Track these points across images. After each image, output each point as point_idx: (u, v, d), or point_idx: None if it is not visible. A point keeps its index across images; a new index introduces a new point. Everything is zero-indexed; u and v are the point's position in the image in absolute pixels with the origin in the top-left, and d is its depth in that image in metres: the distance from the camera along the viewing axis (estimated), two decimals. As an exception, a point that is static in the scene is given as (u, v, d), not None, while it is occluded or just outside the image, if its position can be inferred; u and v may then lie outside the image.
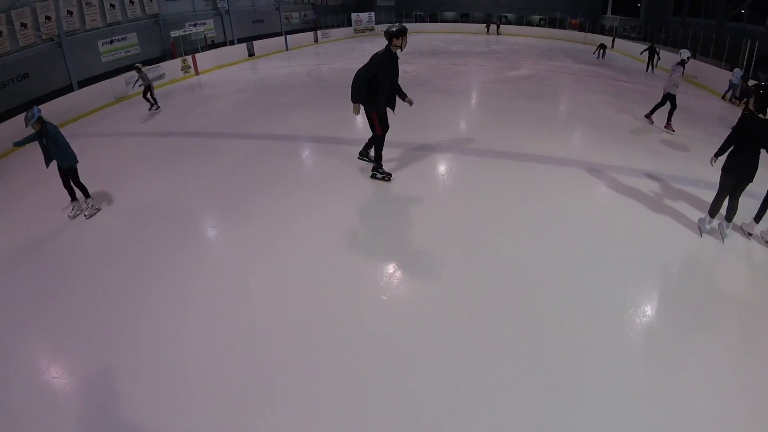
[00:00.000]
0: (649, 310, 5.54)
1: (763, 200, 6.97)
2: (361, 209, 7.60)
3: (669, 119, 11.58)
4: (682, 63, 11.21)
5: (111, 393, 4.35)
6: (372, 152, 8.44)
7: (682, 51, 11.54)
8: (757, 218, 7.10)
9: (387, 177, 8.52)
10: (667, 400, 4.32)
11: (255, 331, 5.00)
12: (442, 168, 9.06)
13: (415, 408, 4.11)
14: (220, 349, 4.76)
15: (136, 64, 13.99)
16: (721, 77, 16.87)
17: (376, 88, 7.74)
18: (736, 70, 13.46)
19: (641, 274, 6.15)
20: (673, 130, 11.45)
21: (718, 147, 6.75)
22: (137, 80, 13.80)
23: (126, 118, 13.74)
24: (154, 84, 15.03)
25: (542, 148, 9.93)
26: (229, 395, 4.25)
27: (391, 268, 6.04)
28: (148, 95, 13.85)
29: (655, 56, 21.75)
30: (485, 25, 39.26)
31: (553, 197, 7.97)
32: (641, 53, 22.81)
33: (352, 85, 7.65)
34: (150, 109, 13.96)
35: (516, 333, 5.03)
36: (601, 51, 25.65)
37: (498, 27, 38.92)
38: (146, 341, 4.94)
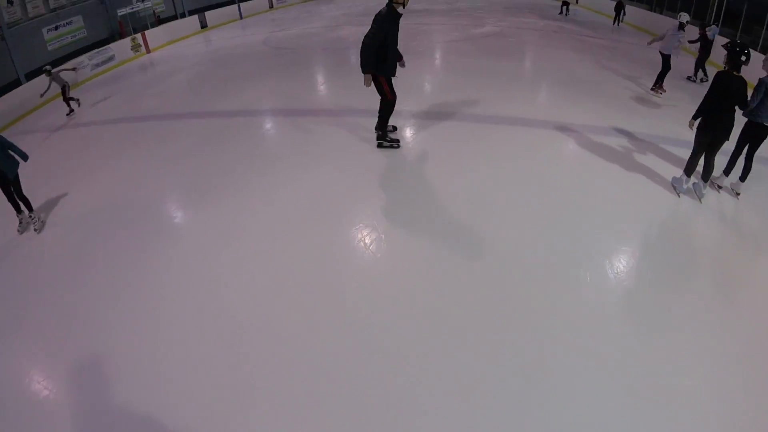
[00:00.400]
0: (629, 272, 5.52)
1: (732, 153, 7.02)
2: (330, 184, 7.19)
3: (660, 81, 11.26)
4: (682, 27, 10.82)
5: (96, 400, 4.16)
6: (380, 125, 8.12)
7: (681, 14, 11.12)
8: (727, 171, 7.18)
9: (396, 143, 8.18)
10: (650, 361, 4.33)
11: (237, 323, 4.80)
12: (409, 134, 8.73)
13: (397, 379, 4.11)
14: (205, 346, 4.56)
15: (45, 67, 11.96)
16: (690, 33, 16.60)
17: (385, 53, 7.36)
18: (713, 27, 13.01)
19: (620, 236, 6.12)
20: (664, 90, 11.16)
21: (696, 109, 6.65)
22: (47, 88, 11.79)
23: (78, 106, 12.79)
24: (103, 68, 14.10)
25: (512, 108, 9.73)
26: (213, 388, 4.13)
27: (367, 239, 5.92)
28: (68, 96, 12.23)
29: (622, 11, 21.38)
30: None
31: (525, 159, 7.83)
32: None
33: (361, 54, 7.30)
34: (69, 114, 12.14)
35: (494, 300, 5.02)
36: (565, 8, 25.10)
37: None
38: (126, 345, 4.68)
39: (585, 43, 17.15)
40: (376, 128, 8.08)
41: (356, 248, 5.80)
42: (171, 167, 8.02)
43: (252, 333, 4.64)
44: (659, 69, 10.99)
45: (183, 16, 24.13)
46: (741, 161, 6.92)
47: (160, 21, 22.25)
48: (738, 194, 7.12)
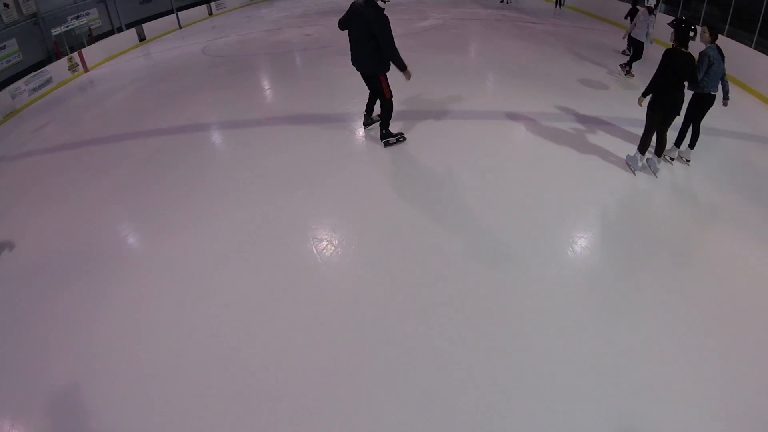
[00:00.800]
0: (593, 254, 5.71)
1: (681, 125, 7.41)
2: (281, 195, 7.16)
3: (629, 65, 11.64)
4: (651, 11, 10.98)
5: None
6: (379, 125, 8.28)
7: None
8: (678, 143, 7.59)
9: (401, 137, 8.32)
10: (620, 342, 4.46)
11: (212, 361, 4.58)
12: (362, 139, 8.72)
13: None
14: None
15: None
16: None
17: (387, 48, 7.35)
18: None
19: (581, 219, 6.34)
20: (633, 75, 11.52)
21: (645, 86, 6.86)
22: None
23: (16, 136, 12.19)
24: (41, 92, 13.56)
25: (460, 102, 9.89)
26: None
27: (324, 243, 6.04)
28: None
29: None
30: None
31: (477, 151, 7.97)
32: None
33: (393, 57, 7.40)
34: None
35: (458, 288, 5.16)
36: None
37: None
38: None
39: (528, 30, 17.44)
40: (384, 142, 8.20)
41: (312, 260, 5.79)
42: (117, 200, 7.64)
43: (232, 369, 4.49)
44: (603, 51, 11.18)
45: (120, 30, 23.54)
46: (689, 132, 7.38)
47: (96, 38, 21.61)
48: (689, 161, 7.52)
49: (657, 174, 7.22)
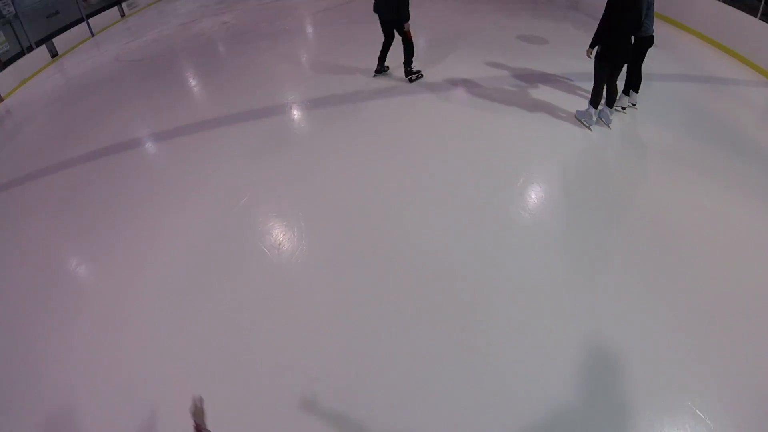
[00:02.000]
0: (558, 216, 5.73)
1: (627, 72, 7.35)
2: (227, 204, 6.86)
3: None
4: None
5: None
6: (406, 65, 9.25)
7: None
8: (626, 91, 7.53)
9: (420, 74, 9.37)
10: (590, 303, 4.55)
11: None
12: (300, 133, 8.59)
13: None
14: None
15: None
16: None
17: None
18: None
19: (540, 180, 6.35)
20: None
21: (592, 37, 6.78)
22: None
23: None
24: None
25: (395, 78, 9.65)
26: None
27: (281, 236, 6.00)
28: None
29: None
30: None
31: (424, 124, 7.86)
32: None
33: (400, 8, 8.23)
34: None
35: (427, 261, 5.23)
36: None
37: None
38: None
39: None
40: (408, 77, 9.29)
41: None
42: (41, 257, 6.85)
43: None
44: (535, 5, 11.21)
45: (30, 49, 22.23)
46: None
47: (4, 64, 20.35)
48: (634, 105, 7.57)
49: (610, 125, 7.13)
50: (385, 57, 9.41)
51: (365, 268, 5.33)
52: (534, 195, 6.07)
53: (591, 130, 7.09)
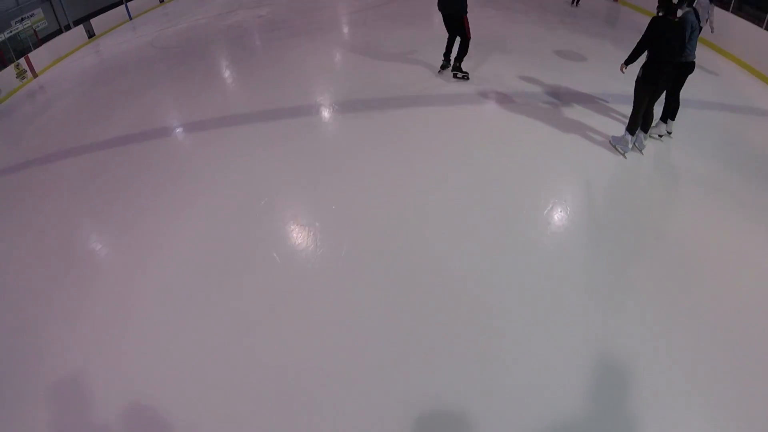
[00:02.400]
0: (586, 243, 5.47)
1: (666, 98, 7.05)
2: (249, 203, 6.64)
3: None
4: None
5: None
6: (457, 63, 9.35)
7: None
8: (664, 118, 7.21)
9: (467, 75, 9.37)
10: (616, 332, 4.36)
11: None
12: (324, 133, 8.38)
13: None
14: None
15: None
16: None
17: None
18: None
19: (572, 205, 6.09)
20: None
21: (629, 53, 6.54)
22: None
23: None
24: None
25: (427, 84, 9.40)
26: None
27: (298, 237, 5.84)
28: None
29: None
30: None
31: (452, 134, 7.65)
32: None
33: (460, 2, 8.57)
34: None
35: (454, 277, 5.05)
36: None
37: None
38: None
39: None
40: (454, 74, 9.45)
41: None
42: (73, 220, 7.03)
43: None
44: (574, 19, 11.01)
45: (68, 28, 22.50)
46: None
47: (42, 40, 20.60)
48: (670, 133, 7.25)
49: (643, 151, 6.94)
50: (450, 52, 9.54)
51: (379, 279, 5.14)
52: (560, 218, 5.85)
53: (626, 157, 6.87)
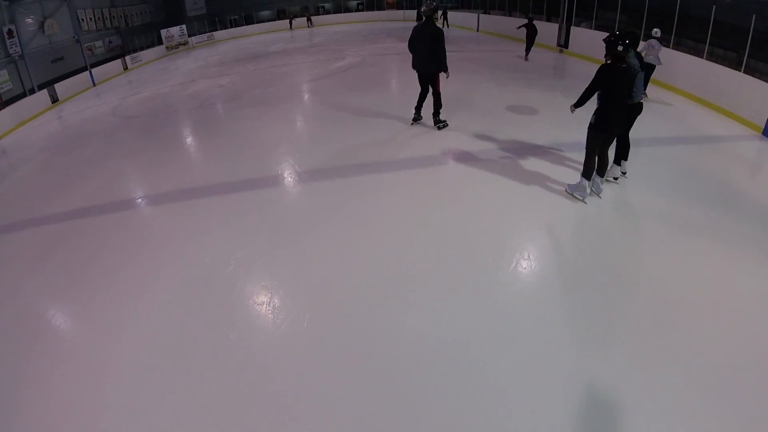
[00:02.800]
0: (553, 292, 5.45)
1: (616, 144, 7.41)
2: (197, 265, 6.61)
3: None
4: (657, 39, 12.20)
5: None
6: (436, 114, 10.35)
7: (654, 30, 12.29)
8: (617, 161, 7.60)
9: (446, 123, 10.53)
10: (595, 381, 4.30)
11: None
12: (284, 203, 8.31)
13: None
14: None
15: None
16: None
17: (442, 53, 9.62)
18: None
19: (538, 258, 6.08)
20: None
21: (578, 97, 6.80)
22: None
23: None
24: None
25: (385, 148, 9.73)
26: None
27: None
28: None
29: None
30: (305, 18, 39.23)
31: (412, 197, 7.74)
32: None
33: (443, 62, 9.68)
34: None
35: (410, 345, 4.86)
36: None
37: (309, 20, 38.98)
38: None
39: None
40: (437, 125, 10.47)
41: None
42: (15, 312, 6.53)
43: None
44: (524, 74, 11.92)
45: (32, 92, 22.83)
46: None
47: (5, 103, 20.89)
48: (625, 173, 7.66)
49: (601, 195, 7.18)
50: (421, 106, 10.58)
51: (343, 352, 4.91)
52: (527, 272, 5.84)
53: (586, 202, 7.05)
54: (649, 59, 12.13)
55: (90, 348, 5.50)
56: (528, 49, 17.33)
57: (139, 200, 9.13)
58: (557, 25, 19.29)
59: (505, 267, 5.87)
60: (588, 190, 7.11)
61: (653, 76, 12.18)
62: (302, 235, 7.05)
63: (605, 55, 6.50)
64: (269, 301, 5.72)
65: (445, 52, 9.62)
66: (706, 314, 5.00)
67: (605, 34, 6.72)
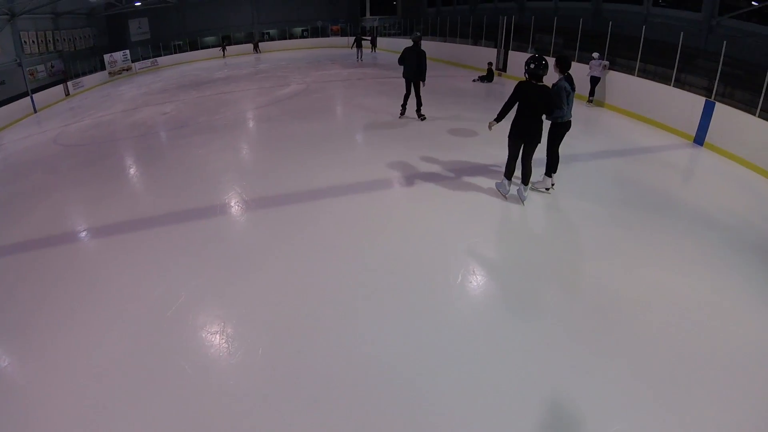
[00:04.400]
0: (492, 299, 5.90)
1: (547, 154, 8.08)
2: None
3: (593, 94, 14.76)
4: (600, 57, 14.52)
5: None
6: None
7: (594, 53, 14.58)
8: (548, 172, 8.25)
9: (425, 116, 13.60)
10: (545, 384, 4.53)
11: None
12: (232, 233, 8.30)
13: None
14: None
15: None
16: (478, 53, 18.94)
17: (425, 67, 12.84)
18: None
19: (478, 270, 6.41)
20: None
21: (497, 113, 7.53)
22: None
23: None
24: None
25: (331, 174, 9.92)
26: None
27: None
28: None
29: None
30: (252, 45, 39.40)
31: (365, 224, 7.88)
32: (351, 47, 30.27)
33: (424, 73, 12.85)
34: None
35: (367, 373, 4.89)
36: (359, 52, 27.21)
37: (256, 46, 39.12)
38: None
39: (390, 84, 18.48)
40: (418, 112, 13.63)
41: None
42: None
43: None
44: (460, 97, 15.65)
45: (-33, 119, 22.25)
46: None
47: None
48: (553, 185, 8.30)
49: (524, 202, 7.82)
50: (406, 104, 13.66)
51: (300, 377, 4.91)
52: (474, 287, 6.16)
53: (506, 198, 7.87)
54: (593, 74, 13.91)
55: (39, 385, 5.35)
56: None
57: (85, 233, 8.87)
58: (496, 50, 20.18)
59: (452, 282, 6.16)
60: (508, 189, 7.90)
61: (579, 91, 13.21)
62: (251, 264, 7.09)
63: (525, 73, 7.27)
64: (222, 330, 5.71)
65: (426, 66, 12.76)
66: (644, 314, 5.42)
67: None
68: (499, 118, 7.50)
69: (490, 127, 7.71)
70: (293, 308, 5.97)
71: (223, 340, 5.56)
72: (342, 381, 4.78)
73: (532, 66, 7.12)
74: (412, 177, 9.38)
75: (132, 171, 12.51)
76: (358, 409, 4.46)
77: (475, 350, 5.05)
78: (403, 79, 13.19)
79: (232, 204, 9.15)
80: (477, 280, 6.23)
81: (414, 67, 12.75)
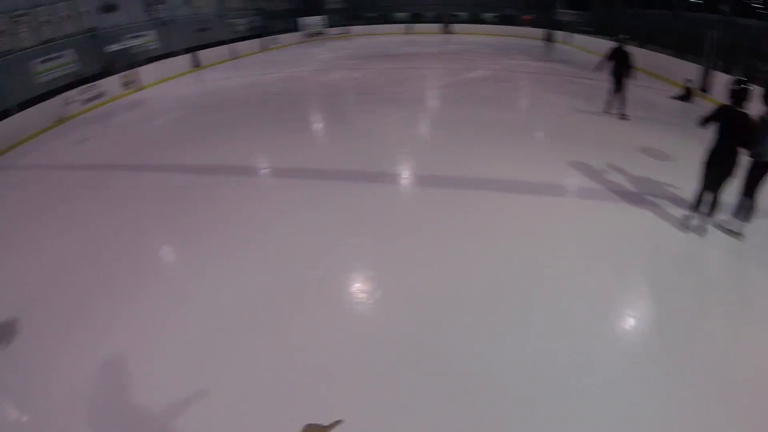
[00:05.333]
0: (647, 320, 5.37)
1: (741, 197, 6.79)
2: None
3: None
4: None
5: None
6: None
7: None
8: (737, 214, 6.93)
9: (626, 117, 12.37)
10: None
11: None
12: (392, 207, 8.06)
13: None
14: None
15: None
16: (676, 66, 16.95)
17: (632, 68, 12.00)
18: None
19: (631, 282, 5.98)
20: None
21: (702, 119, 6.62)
22: None
23: (60, 145, 12.61)
24: (92, 104, 14.01)
25: (506, 169, 9.18)
26: None
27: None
28: None
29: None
30: (443, 24, 38.91)
31: (523, 223, 7.29)
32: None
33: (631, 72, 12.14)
34: None
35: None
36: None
37: (447, 26, 38.58)
38: None
39: (580, 85, 16.90)
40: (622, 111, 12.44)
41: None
42: (130, 235, 7.40)
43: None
44: (653, 110, 13.49)
45: (177, 54, 24.09)
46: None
47: (153, 58, 22.17)
48: (740, 234, 6.85)
49: (703, 235, 6.85)
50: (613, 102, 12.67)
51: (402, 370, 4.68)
52: (635, 308, 5.60)
53: (687, 234, 6.91)
54: None
55: (197, 289, 5.93)
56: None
57: (262, 170, 9.66)
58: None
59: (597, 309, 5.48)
60: (691, 222, 7.01)
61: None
62: (390, 242, 6.93)
63: (730, 97, 6.38)
64: (372, 292, 5.92)
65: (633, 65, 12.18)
66: None
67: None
68: (700, 123, 6.64)
69: (698, 124, 6.71)
70: (437, 285, 5.91)
71: (371, 301, 5.76)
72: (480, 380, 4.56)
73: (736, 88, 6.26)
74: (590, 190, 8.22)
75: (315, 126, 13.01)
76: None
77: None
78: (602, 80, 12.52)
79: (402, 175, 9.19)
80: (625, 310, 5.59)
81: (619, 69, 12.26)
